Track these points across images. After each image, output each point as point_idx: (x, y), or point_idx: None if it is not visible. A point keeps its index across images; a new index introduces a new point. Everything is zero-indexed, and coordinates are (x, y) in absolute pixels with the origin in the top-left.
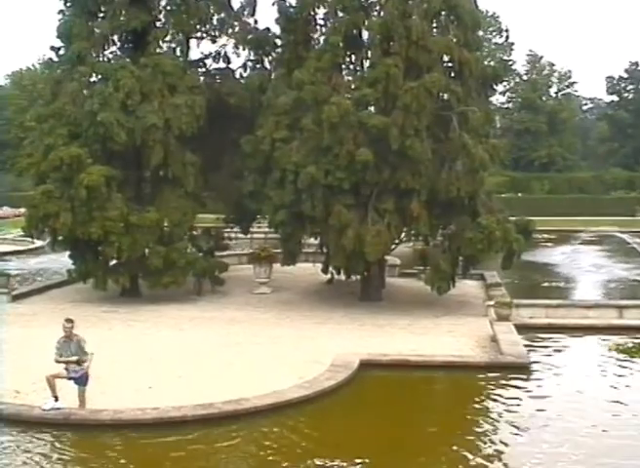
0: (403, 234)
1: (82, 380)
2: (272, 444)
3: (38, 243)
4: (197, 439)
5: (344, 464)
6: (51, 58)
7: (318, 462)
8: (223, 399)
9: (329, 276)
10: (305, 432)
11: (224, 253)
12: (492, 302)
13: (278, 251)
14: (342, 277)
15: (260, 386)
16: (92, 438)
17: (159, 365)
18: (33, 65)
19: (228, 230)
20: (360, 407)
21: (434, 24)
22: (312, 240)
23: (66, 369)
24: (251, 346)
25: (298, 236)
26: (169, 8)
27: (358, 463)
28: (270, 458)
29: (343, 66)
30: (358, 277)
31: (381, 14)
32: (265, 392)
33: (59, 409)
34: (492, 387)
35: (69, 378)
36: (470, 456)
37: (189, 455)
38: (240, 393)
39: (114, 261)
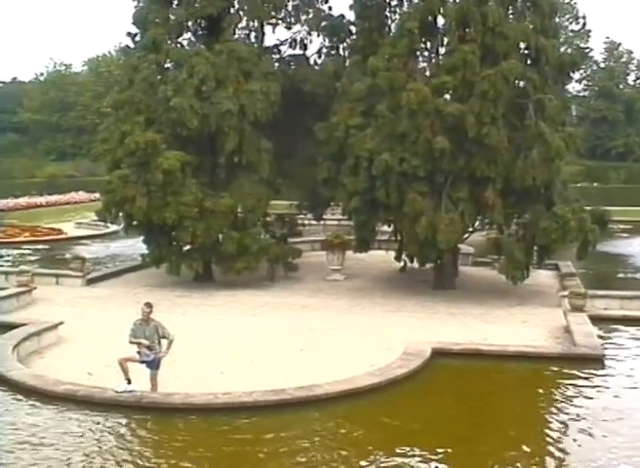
0: (477, 222)
1: (154, 364)
2: (344, 431)
3: (113, 227)
4: (268, 424)
5: (426, 453)
6: (127, 45)
7: (399, 451)
8: (295, 385)
9: (402, 264)
10: (378, 420)
11: (298, 239)
12: (566, 293)
13: (351, 238)
14: (416, 265)
15: (332, 373)
16: (163, 421)
17: (231, 350)
18: (110, 52)
19: (302, 217)
20: (432, 395)
21: (510, 11)
22: (385, 227)
23: (139, 352)
24: (323, 333)
25: (371, 223)
26: None
27: (440, 453)
28: (343, 445)
29: (419, 53)
30: (431, 265)
31: (457, 0)
32: (337, 379)
33: (131, 391)
34: (564, 378)
35: (141, 362)
36: (546, 448)
37: (259, 441)
38: (312, 379)
39: (188, 246)
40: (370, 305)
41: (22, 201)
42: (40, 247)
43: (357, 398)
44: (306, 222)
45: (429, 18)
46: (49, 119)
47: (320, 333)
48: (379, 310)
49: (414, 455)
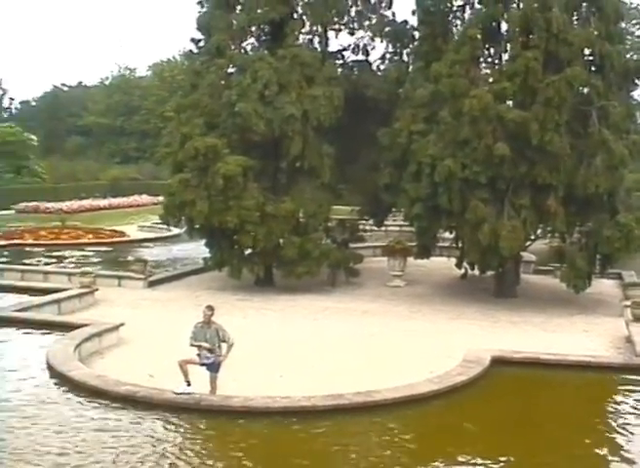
0: (539, 230)
1: (214, 367)
2: (403, 438)
3: (175, 230)
4: (326, 429)
5: (488, 462)
6: (191, 50)
7: (461, 459)
8: (354, 390)
9: (463, 271)
10: (437, 427)
11: (359, 245)
12: (628, 302)
13: (412, 244)
14: (477, 272)
15: (391, 379)
16: (221, 424)
17: (291, 354)
18: (174, 57)
19: (363, 222)
20: (492, 403)
21: (575, 17)
22: (447, 234)
23: (199, 354)
24: (383, 338)
25: (433, 230)
26: (307, 0)
27: (502, 461)
28: (402, 452)
29: (481, 59)
30: (493, 273)
31: (521, 6)
32: (396, 385)
33: (190, 393)
34: (626, 389)
35: (201, 364)
36: (608, 458)
37: (318, 445)
38: (371, 385)
39: (249, 250)
40: (430, 312)
41: (86, 203)
42: (103, 249)
43: (416, 405)
44: (368, 228)
45: (493, 24)
46: (113, 123)
47: (380, 339)
48: (439, 317)
49: (475, 464)
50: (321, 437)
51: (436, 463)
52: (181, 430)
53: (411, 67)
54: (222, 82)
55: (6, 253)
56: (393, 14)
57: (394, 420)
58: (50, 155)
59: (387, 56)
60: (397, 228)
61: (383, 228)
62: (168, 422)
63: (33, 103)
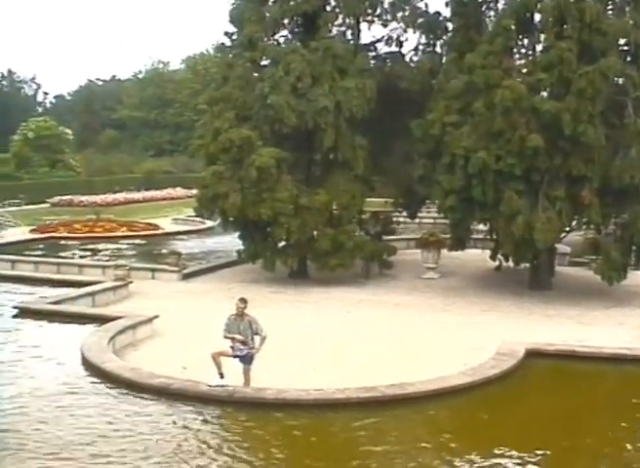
0: (574, 222)
1: (247, 359)
2: (436, 430)
3: (209, 223)
4: (359, 421)
5: (524, 455)
6: (223, 43)
7: (497, 451)
8: (387, 382)
9: (497, 263)
10: (471, 420)
11: (393, 237)
12: None
13: (446, 236)
14: (511, 264)
15: (424, 371)
16: (254, 416)
17: (324, 346)
18: (207, 50)
19: (397, 214)
20: (526, 396)
21: (609, 6)
22: (481, 226)
23: (232, 347)
24: (416, 331)
25: (467, 222)
26: None
27: (539, 454)
28: (436, 444)
29: (515, 50)
30: (527, 265)
31: None
32: (429, 377)
33: (224, 386)
34: None
35: (234, 356)
36: None
37: (351, 438)
38: (404, 377)
39: (283, 243)
40: (464, 304)
41: (120, 196)
42: (137, 242)
43: (449, 397)
44: (401, 220)
45: (526, 14)
46: (147, 116)
47: (413, 332)
48: (473, 309)
49: (511, 456)
50: (354, 429)
51: (472, 456)
52: (215, 422)
53: (444, 59)
54: (255, 74)
55: (41, 246)
56: (426, 5)
57: (428, 413)
58: (84, 149)
59: (420, 47)
60: (431, 220)
61: (417, 220)
62: (201, 414)
63: (68, 97)
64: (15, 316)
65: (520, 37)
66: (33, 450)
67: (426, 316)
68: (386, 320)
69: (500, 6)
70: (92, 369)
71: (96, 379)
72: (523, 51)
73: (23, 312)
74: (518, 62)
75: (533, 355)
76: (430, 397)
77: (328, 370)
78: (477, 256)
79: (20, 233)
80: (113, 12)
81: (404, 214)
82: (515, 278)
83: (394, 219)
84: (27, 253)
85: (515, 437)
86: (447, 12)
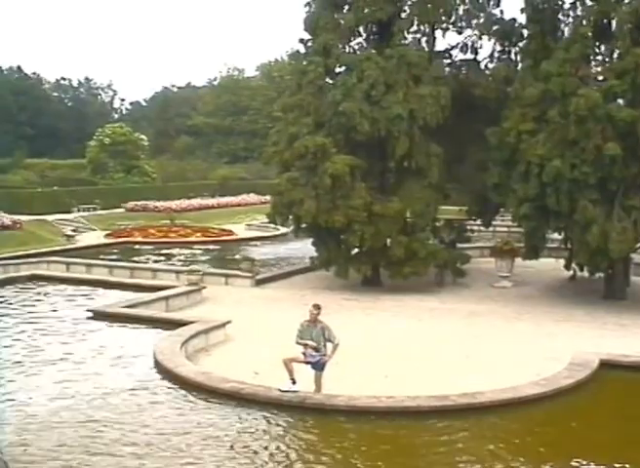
0: None
1: (319, 365)
2: (510, 440)
3: (282, 230)
4: (430, 430)
5: (603, 467)
6: (298, 51)
7: (574, 463)
8: (459, 391)
9: (571, 272)
10: (544, 430)
11: (466, 245)
12: None
13: (520, 244)
14: (585, 274)
15: (497, 380)
16: (325, 422)
17: (396, 354)
18: (281, 57)
19: (471, 222)
20: (599, 408)
21: None
22: (555, 235)
23: (304, 353)
24: (489, 340)
25: (541, 230)
26: None
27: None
28: (511, 455)
29: (591, 57)
30: (602, 274)
31: (632, 2)
32: (502, 387)
33: (295, 391)
34: None
35: (306, 363)
36: None
37: (421, 446)
38: (476, 386)
39: (356, 250)
40: (537, 313)
41: (195, 202)
42: (211, 247)
43: (521, 407)
44: (475, 228)
45: (604, 21)
46: (222, 123)
47: (486, 341)
48: (546, 319)
49: None
50: (425, 437)
51: (548, 467)
52: (287, 427)
53: (519, 66)
54: (329, 81)
55: (116, 250)
56: (501, 12)
57: (500, 423)
58: (159, 155)
59: (495, 54)
60: (505, 228)
61: (491, 228)
62: (273, 419)
63: (144, 104)
64: (89, 319)
65: (597, 44)
66: (108, 446)
67: (499, 325)
68: (459, 328)
69: (578, 12)
70: (164, 372)
71: (168, 383)
72: (600, 58)
73: (98, 315)
74: (595, 70)
75: (607, 366)
76: (502, 407)
77: (399, 378)
78: (551, 265)
79: (95, 238)
80: (190, 18)
81: (478, 222)
82: (590, 287)
83: (468, 227)
84: (102, 257)
85: (591, 449)
86: (522, 18)
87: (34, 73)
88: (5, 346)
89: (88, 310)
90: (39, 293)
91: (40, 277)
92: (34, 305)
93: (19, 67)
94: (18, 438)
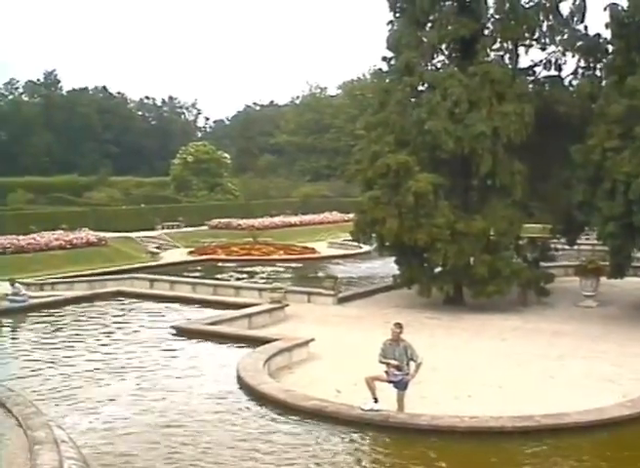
0: None
1: (401, 385)
2: (597, 463)
3: (365, 248)
4: (514, 450)
5: None
6: (380, 69)
7: None
8: (542, 412)
9: None
10: (633, 453)
11: (550, 263)
12: None
13: (605, 263)
14: None
15: (581, 402)
16: (409, 442)
17: (479, 373)
18: (364, 75)
19: (555, 241)
20: None
21: None
22: None
23: (387, 372)
24: (573, 360)
25: (627, 249)
26: (497, 16)
27: None
28: None
29: None
30: None
31: None
32: (586, 408)
33: (377, 410)
34: None
35: (389, 382)
36: None
37: (505, 465)
38: (559, 407)
39: (439, 268)
40: (623, 333)
41: (278, 220)
42: (293, 265)
43: (607, 429)
44: (559, 247)
45: None
46: (304, 141)
47: (570, 361)
48: (632, 339)
49: None
50: (508, 457)
51: None
52: (370, 446)
53: (604, 82)
54: (412, 99)
55: (199, 267)
56: (585, 27)
57: (586, 444)
58: (242, 173)
59: (580, 70)
60: (589, 247)
61: (575, 247)
62: (355, 438)
63: (227, 122)
64: (172, 335)
65: None
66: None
67: (583, 345)
68: (542, 348)
69: None
70: (247, 389)
71: (250, 399)
72: None
73: (181, 332)
74: None
75: None
76: (587, 428)
77: (482, 398)
78: (637, 285)
79: (178, 255)
80: (273, 38)
81: (562, 240)
82: None
83: (552, 246)
84: (185, 274)
85: None
86: (607, 34)
87: (119, 92)
88: (88, 360)
89: (171, 326)
90: (123, 309)
91: (125, 293)
92: (118, 321)
93: (104, 87)
94: (100, 443)
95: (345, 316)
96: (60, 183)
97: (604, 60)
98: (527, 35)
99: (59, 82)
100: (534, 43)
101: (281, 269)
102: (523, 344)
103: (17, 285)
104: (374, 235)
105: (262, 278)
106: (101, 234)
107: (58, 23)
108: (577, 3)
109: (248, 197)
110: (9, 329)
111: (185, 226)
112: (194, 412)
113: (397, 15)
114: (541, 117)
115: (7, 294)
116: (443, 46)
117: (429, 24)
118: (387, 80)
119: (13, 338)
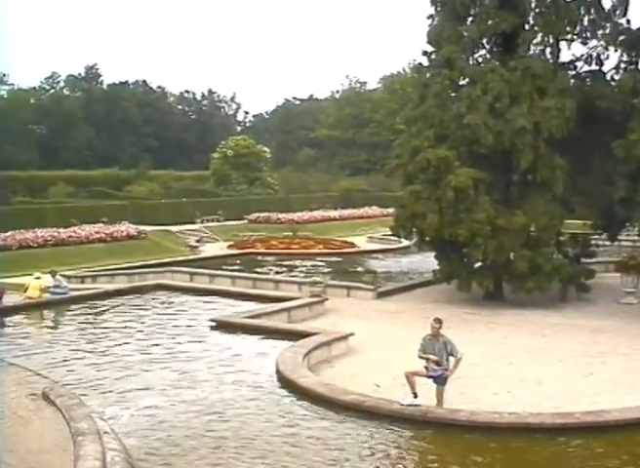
0: None
1: (441, 380)
2: (636, 461)
3: (404, 242)
4: (554, 447)
5: None
6: (420, 63)
7: None
8: (582, 409)
9: None
10: None
11: (591, 259)
12: None
13: None
14: None
15: (621, 399)
16: (448, 437)
17: (518, 369)
18: (404, 70)
19: (596, 237)
20: None
21: None
22: None
23: (426, 367)
24: (614, 357)
25: None
26: (538, 10)
27: None
28: None
29: None
30: None
31: None
32: (627, 405)
33: (417, 405)
34: None
35: (428, 377)
36: None
37: (545, 462)
38: (599, 404)
39: (479, 264)
40: None
41: (317, 214)
42: (333, 259)
43: None
44: (600, 242)
45: None
46: (344, 135)
47: (610, 358)
48: None
49: None
50: (547, 455)
51: None
52: (409, 441)
53: None
54: (452, 94)
55: (238, 261)
56: (628, 21)
57: (625, 442)
58: (282, 167)
59: (622, 65)
60: (630, 243)
61: (616, 243)
62: (395, 433)
63: (266, 116)
64: (212, 328)
65: None
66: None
67: (623, 342)
68: (583, 345)
69: None
70: (286, 382)
71: (290, 393)
72: None
73: (220, 325)
74: None
75: None
76: (628, 426)
77: (521, 394)
78: None
79: (218, 248)
80: (313, 32)
81: (603, 236)
82: None
83: (593, 242)
84: (225, 267)
85: None
86: None
87: (159, 87)
88: (129, 352)
89: (211, 319)
90: (163, 303)
91: (164, 286)
92: (158, 314)
93: (144, 81)
94: (142, 434)
95: (385, 311)
96: (101, 177)
97: None
98: (568, 29)
99: (99, 76)
100: (575, 37)
101: (320, 263)
102: (563, 340)
103: (58, 277)
104: (414, 230)
105: (302, 272)
106: (141, 227)
107: (99, 18)
108: None
109: (287, 191)
110: (50, 320)
111: (225, 220)
112: (234, 404)
113: (438, 9)
114: (583, 112)
115: (48, 287)
116: (484, 40)
117: (470, 19)
118: (428, 74)
119: (54, 330)
